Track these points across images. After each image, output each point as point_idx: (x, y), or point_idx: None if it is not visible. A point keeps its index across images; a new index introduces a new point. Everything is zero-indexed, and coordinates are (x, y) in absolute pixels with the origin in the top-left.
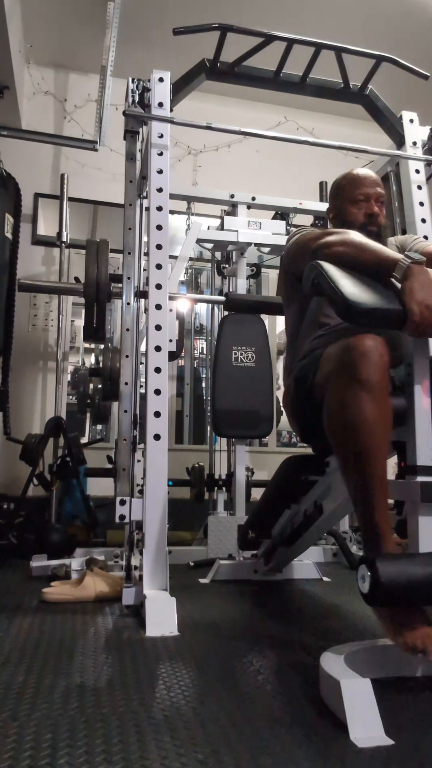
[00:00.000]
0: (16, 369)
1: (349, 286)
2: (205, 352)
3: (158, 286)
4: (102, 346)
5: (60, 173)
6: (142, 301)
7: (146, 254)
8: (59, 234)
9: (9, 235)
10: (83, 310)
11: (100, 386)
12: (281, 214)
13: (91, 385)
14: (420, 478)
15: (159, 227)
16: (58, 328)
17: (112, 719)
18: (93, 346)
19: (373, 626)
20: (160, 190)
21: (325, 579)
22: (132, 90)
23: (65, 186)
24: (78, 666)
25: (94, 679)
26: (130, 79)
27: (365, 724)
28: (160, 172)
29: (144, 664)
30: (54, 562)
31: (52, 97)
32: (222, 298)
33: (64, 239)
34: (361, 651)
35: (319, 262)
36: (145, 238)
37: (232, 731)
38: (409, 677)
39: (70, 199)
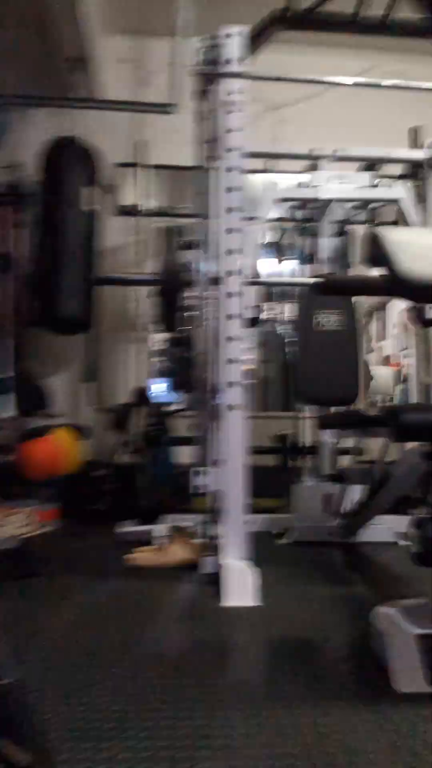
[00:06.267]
0: (105, 341)
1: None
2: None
3: (230, 252)
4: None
5: (137, 140)
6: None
7: None
8: (136, 204)
9: (92, 207)
10: None
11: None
12: (369, 165)
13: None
14: None
15: (229, 189)
16: (139, 299)
17: (180, 692)
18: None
19: None
20: (230, 150)
21: (402, 543)
22: (201, 48)
23: (143, 154)
24: (151, 634)
25: (166, 648)
26: (198, 38)
27: (408, 673)
28: (232, 130)
29: (216, 636)
30: (140, 528)
31: (130, 64)
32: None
33: (146, 207)
34: (415, 607)
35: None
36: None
37: (298, 712)
38: None
39: (153, 166)
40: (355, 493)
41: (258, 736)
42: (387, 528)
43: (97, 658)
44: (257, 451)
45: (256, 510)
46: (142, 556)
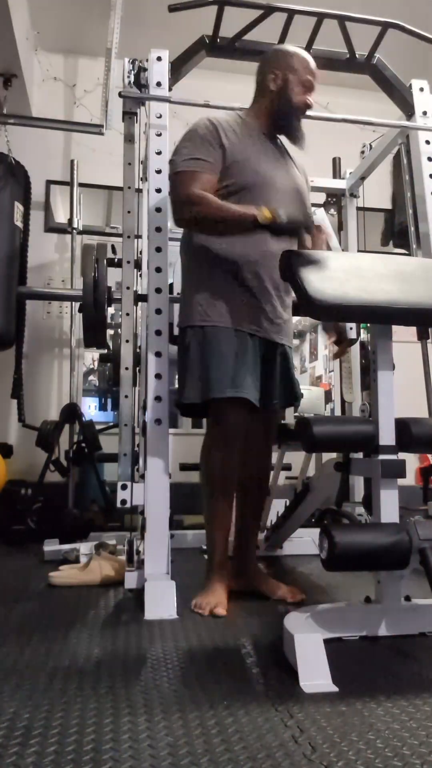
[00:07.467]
0: (32, 357)
1: (317, 281)
2: None
3: (158, 269)
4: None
5: (70, 159)
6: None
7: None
8: (70, 221)
9: (19, 223)
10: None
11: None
12: None
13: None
14: (381, 457)
15: (158, 210)
16: (71, 315)
17: (91, 701)
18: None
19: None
20: (159, 171)
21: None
22: (129, 70)
23: (75, 172)
24: (71, 648)
25: (83, 661)
26: (127, 60)
27: (314, 673)
28: (159, 153)
29: (136, 647)
30: (65, 547)
31: (61, 83)
32: None
33: (76, 226)
34: (327, 611)
35: (292, 252)
36: None
37: (208, 715)
38: (372, 636)
39: (83, 185)
40: (280, 507)
41: (164, 738)
42: (312, 541)
43: (12, 673)
44: (188, 467)
45: (186, 526)
46: (65, 575)
